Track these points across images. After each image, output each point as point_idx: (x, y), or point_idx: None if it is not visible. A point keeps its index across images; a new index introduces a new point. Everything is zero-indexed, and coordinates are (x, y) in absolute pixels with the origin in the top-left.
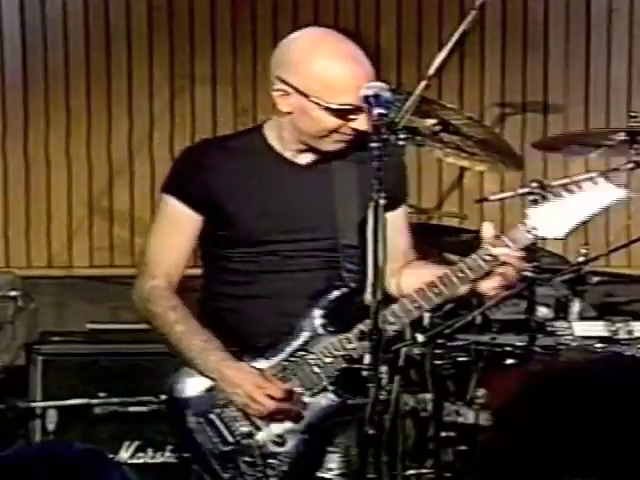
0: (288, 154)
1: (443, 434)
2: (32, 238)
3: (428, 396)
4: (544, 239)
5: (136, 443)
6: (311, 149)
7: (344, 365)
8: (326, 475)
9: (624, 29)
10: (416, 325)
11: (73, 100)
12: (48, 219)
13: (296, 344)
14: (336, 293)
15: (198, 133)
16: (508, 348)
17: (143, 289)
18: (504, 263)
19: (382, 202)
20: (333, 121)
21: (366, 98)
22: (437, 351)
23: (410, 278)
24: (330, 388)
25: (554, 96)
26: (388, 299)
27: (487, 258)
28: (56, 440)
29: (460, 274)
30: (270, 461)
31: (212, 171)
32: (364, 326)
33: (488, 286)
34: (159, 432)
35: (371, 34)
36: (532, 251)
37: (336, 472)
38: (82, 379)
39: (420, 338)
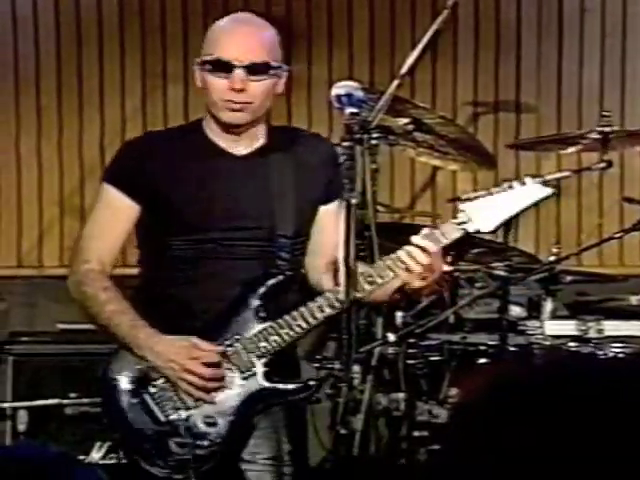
0: (223, 144)
1: (416, 434)
2: (2, 237)
3: (401, 395)
4: (475, 232)
5: (108, 443)
6: (235, 133)
7: (276, 349)
8: (253, 459)
9: (596, 29)
10: (388, 324)
11: (44, 99)
12: (18, 218)
13: (231, 329)
14: (271, 281)
15: None
16: (481, 347)
17: (77, 272)
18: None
19: (354, 202)
20: (215, 81)
21: (338, 97)
22: (410, 350)
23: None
24: (262, 372)
25: (527, 95)
26: (311, 293)
27: (399, 263)
28: (26, 443)
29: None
30: (200, 442)
31: (151, 160)
32: (300, 313)
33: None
34: None
35: (344, 33)
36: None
37: (265, 456)
38: (53, 379)
39: (391, 338)
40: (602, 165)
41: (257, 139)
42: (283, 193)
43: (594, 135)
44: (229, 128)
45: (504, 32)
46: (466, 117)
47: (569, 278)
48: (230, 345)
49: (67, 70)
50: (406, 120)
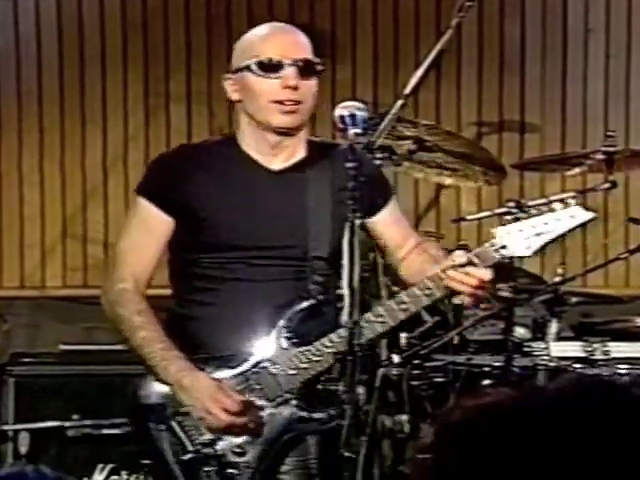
0: (259, 158)
1: None
2: (5, 258)
3: (405, 417)
4: (511, 258)
5: (110, 465)
6: (278, 147)
7: (307, 377)
8: None
9: (600, 48)
10: (392, 345)
11: (46, 119)
12: (21, 239)
13: (260, 355)
14: (302, 305)
15: None
16: (486, 368)
17: (112, 291)
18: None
19: (358, 222)
20: (265, 83)
21: (342, 118)
22: (414, 372)
23: (408, 269)
24: (293, 400)
25: (530, 115)
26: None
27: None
28: (24, 467)
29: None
30: (229, 471)
31: (184, 174)
32: (331, 340)
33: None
34: (133, 454)
35: (347, 53)
36: (501, 271)
37: None
38: (55, 401)
39: (396, 359)
40: (607, 185)
41: (296, 153)
42: (320, 211)
43: (599, 155)
44: (278, 133)
45: (508, 52)
46: (470, 137)
47: (574, 299)
48: (259, 372)
49: (69, 90)
50: (408, 142)
